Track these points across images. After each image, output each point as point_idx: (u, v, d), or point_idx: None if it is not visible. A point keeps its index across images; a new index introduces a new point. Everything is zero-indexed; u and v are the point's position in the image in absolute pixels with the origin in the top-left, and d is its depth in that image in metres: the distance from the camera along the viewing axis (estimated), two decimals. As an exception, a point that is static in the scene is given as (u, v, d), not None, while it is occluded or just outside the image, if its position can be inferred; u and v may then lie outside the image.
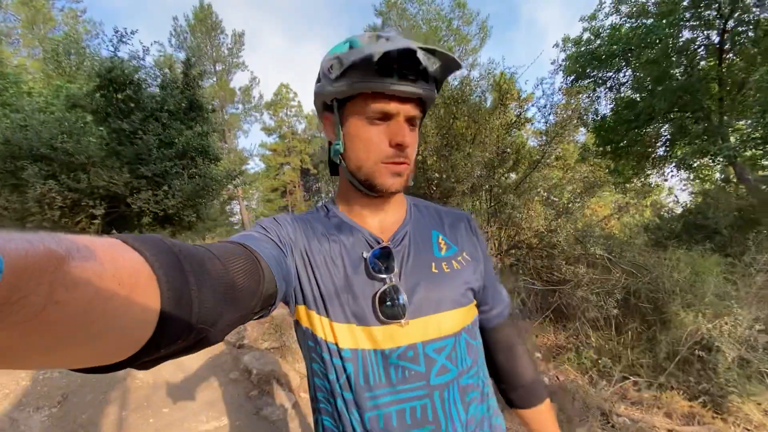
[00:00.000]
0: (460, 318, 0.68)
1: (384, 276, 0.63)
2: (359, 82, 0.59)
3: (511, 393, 0.79)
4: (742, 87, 7.20)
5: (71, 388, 2.60)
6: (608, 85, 9.99)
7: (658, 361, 3.32)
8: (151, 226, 8.55)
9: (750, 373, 2.82)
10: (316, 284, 0.64)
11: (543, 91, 5.03)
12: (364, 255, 0.65)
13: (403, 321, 0.62)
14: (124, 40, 8.04)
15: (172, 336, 0.30)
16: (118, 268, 0.25)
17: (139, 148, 7.70)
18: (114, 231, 7.84)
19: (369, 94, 0.60)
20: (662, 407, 2.91)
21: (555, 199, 5.07)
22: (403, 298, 0.62)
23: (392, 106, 0.61)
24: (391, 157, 0.64)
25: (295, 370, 3.29)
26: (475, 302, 0.74)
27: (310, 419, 2.78)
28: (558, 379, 3.49)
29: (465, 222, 0.78)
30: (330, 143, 0.70)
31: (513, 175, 4.96)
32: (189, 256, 0.33)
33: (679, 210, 6.94)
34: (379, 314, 0.61)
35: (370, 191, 0.67)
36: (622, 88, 9.85)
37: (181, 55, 20.16)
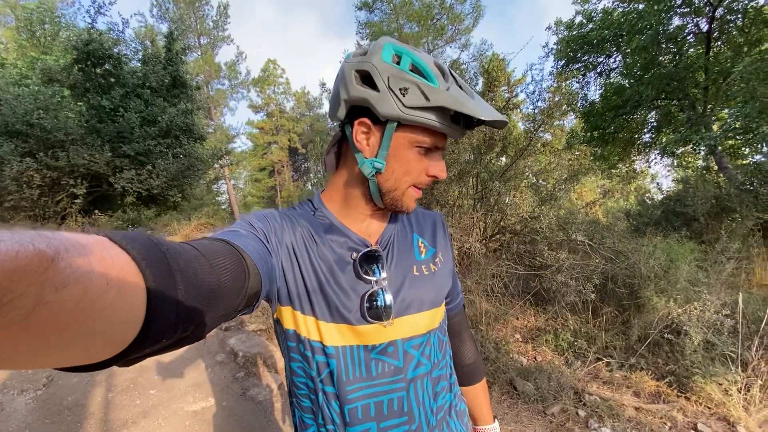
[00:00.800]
0: (435, 317, 0.72)
1: (371, 278, 0.66)
2: (440, 122, 0.61)
3: (455, 372, 0.86)
4: (728, 77, 7.28)
5: (57, 371, 2.61)
6: (598, 71, 10.01)
7: (630, 343, 3.48)
8: (135, 206, 8.41)
9: (714, 355, 2.98)
10: (302, 282, 0.65)
11: (532, 77, 5.00)
12: (353, 257, 0.68)
13: (386, 322, 0.65)
14: (102, 11, 7.68)
15: (157, 335, 0.30)
16: (106, 268, 0.25)
17: (120, 125, 7.48)
18: (96, 211, 7.69)
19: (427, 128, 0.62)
20: (631, 386, 3.08)
21: (543, 182, 5.14)
22: (389, 299, 0.65)
23: (442, 143, 0.65)
24: (422, 184, 0.68)
25: (281, 351, 3.36)
26: (445, 301, 0.79)
27: (296, 399, 2.86)
28: (536, 359, 3.64)
29: (439, 223, 0.82)
30: (342, 147, 0.72)
31: (504, 159, 4.99)
32: (175, 255, 0.34)
33: (660, 197, 7.12)
34: (366, 314, 0.64)
35: (387, 208, 0.70)
36: (612, 74, 9.88)
37: (164, 27, 19.33)
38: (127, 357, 0.30)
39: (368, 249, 0.68)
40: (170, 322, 0.31)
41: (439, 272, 0.74)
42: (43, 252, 0.21)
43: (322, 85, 31.96)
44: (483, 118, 0.58)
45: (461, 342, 0.87)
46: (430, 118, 0.59)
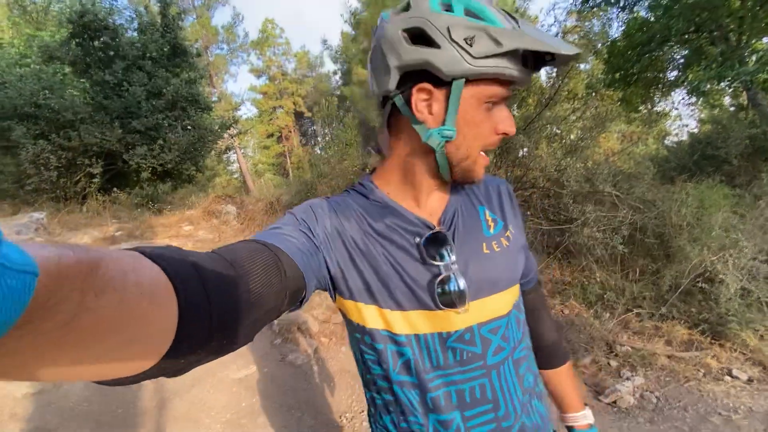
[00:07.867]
0: (511, 296, 0.68)
1: (439, 263, 0.61)
2: (516, 69, 0.54)
3: (534, 355, 0.81)
4: (766, 2, 6.62)
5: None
6: (621, 5, 9.23)
7: (660, 293, 3.45)
8: (152, 182, 8.46)
9: (750, 301, 2.94)
10: (361, 273, 0.62)
11: (555, 18, 4.62)
12: (416, 241, 0.63)
13: (461, 309, 0.61)
14: (91, -22, 7.29)
15: (191, 344, 0.31)
16: (139, 277, 0.26)
17: (126, 100, 7.36)
18: (114, 189, 7.78)
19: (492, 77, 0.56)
20: (663, 336, 3.09)
21: (558, 130, 4.89)
22: (462, 284, 0.61)
23: (507, 92, 0.58)
24: (492, 145, 0.61)
25: (314, 317, 3.44)
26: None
27: (332, 362, 2.95)
28: (564, 313, 3.66)
29: (504, 191, 0.74)
30: (392, 122, 0.65)
31: (516, 111, 4.74)
32: (203, 264, 0.34)
33: (685, 137, 6.79)
34: (438, 302, 0.61)
35: (458, 181, 0.65)
36: (636, 8, 9.11)
37: (155, -9, 18.44)
38: (166, 368, 0.30)
39: (433, 231, 0.63)
40: (203, 330, 0.32)
41: (512, 247, 0.68)
42: (83, 259, 0.22)
43: (324, 42, 30.63)
44: (565, 53, 0.51)
45: (538, 321, 0.81)
46: (505, 66, 0.53)
